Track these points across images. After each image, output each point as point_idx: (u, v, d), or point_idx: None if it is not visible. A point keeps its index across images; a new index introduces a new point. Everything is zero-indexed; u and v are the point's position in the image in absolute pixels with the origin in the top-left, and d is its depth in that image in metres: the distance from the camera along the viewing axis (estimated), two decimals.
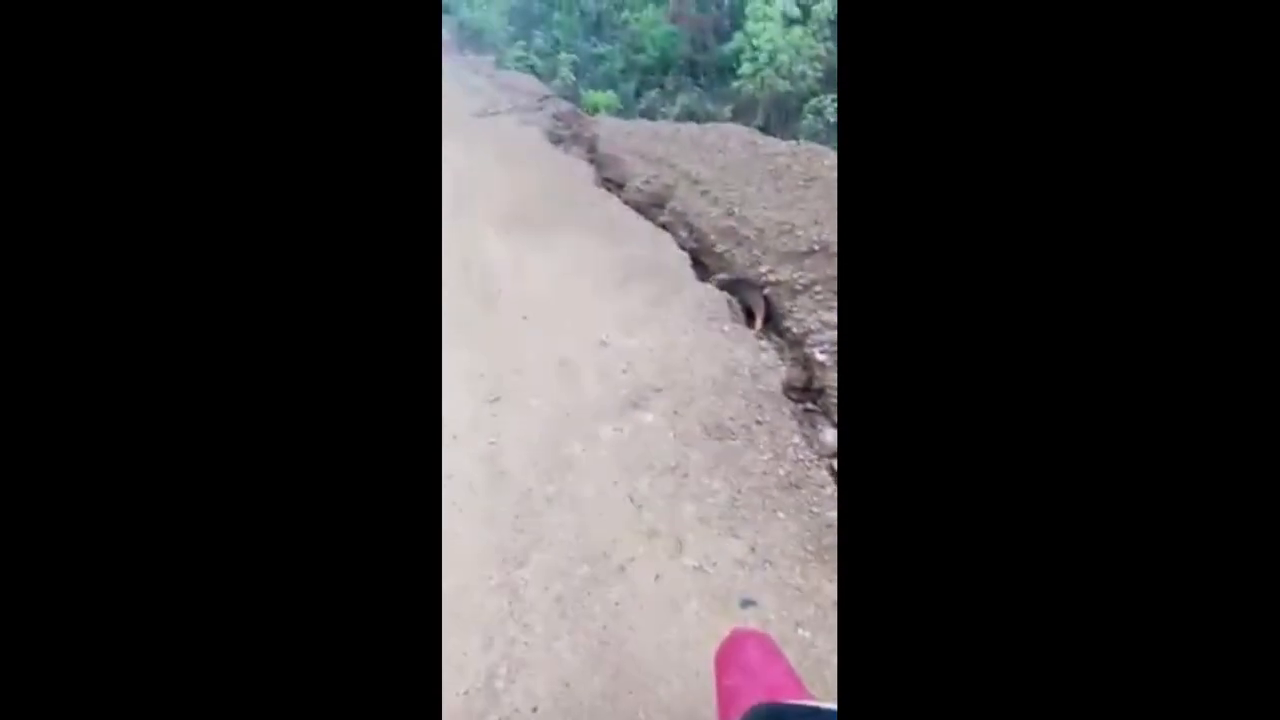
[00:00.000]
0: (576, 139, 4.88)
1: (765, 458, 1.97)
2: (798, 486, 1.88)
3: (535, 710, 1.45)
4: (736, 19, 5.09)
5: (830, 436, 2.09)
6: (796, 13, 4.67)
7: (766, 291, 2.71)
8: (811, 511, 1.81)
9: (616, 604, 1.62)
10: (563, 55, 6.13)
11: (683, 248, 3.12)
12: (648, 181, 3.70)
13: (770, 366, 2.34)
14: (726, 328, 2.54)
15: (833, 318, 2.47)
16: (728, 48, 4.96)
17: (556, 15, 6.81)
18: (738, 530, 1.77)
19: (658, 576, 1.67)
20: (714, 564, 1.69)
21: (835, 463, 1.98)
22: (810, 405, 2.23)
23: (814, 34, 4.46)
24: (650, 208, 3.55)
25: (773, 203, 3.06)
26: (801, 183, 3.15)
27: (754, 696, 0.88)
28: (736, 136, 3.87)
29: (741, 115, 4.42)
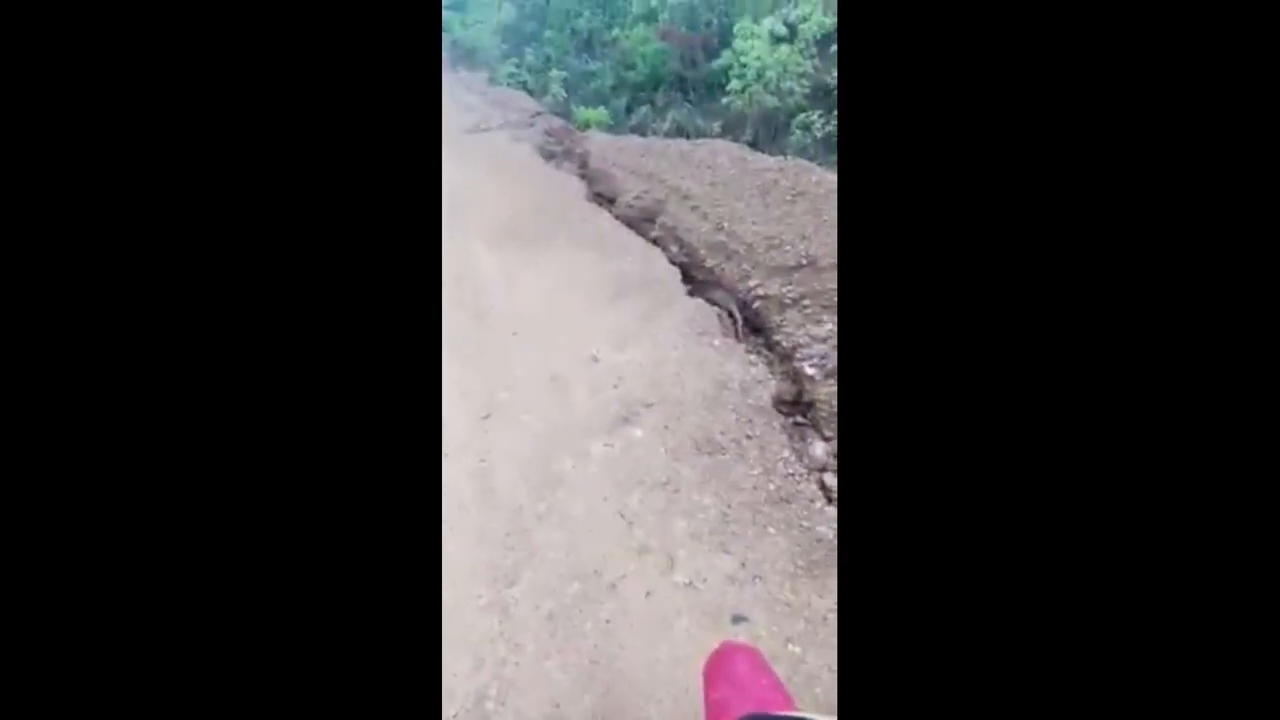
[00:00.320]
0: (568, 155, 4.87)
1: (755, 472, 1.95)
2: (788, 501, 1.86)
3: None
4: (725, 37, 5.11)
5: (820, 450, 2.07)
6: (784, 31, 4.69)
7: (744, 298, 2.70)
8: (801, 526, 1.79)
9: (607, 622, 1.59)
10: (554, 72, 6.14)
11: (673, 262, 3.11)
12: (638, 197, 3.69)
13: (760, 381, 2.32)
14: (717, 342, 2.53)
15: (821, 331, 2.46)
16: (716, 65, 4.97)
17: (548, 33, 6.83)
18: (728, 546, 1.74)
19: (648, 594, 1.64)
20: (705, 580, 1.66)
21: (825, 477, 1.96)
22: (800, 419, 2.21)
23: (801, 51, 4.48)
24: (641, 223, 3.54)
25: (761, 218, 3.05)
26: (789, 198, 3.15)
27: (742, 709, 0.86)
28: (726, 152, 3.87)
29: (730, 131, 4.42)
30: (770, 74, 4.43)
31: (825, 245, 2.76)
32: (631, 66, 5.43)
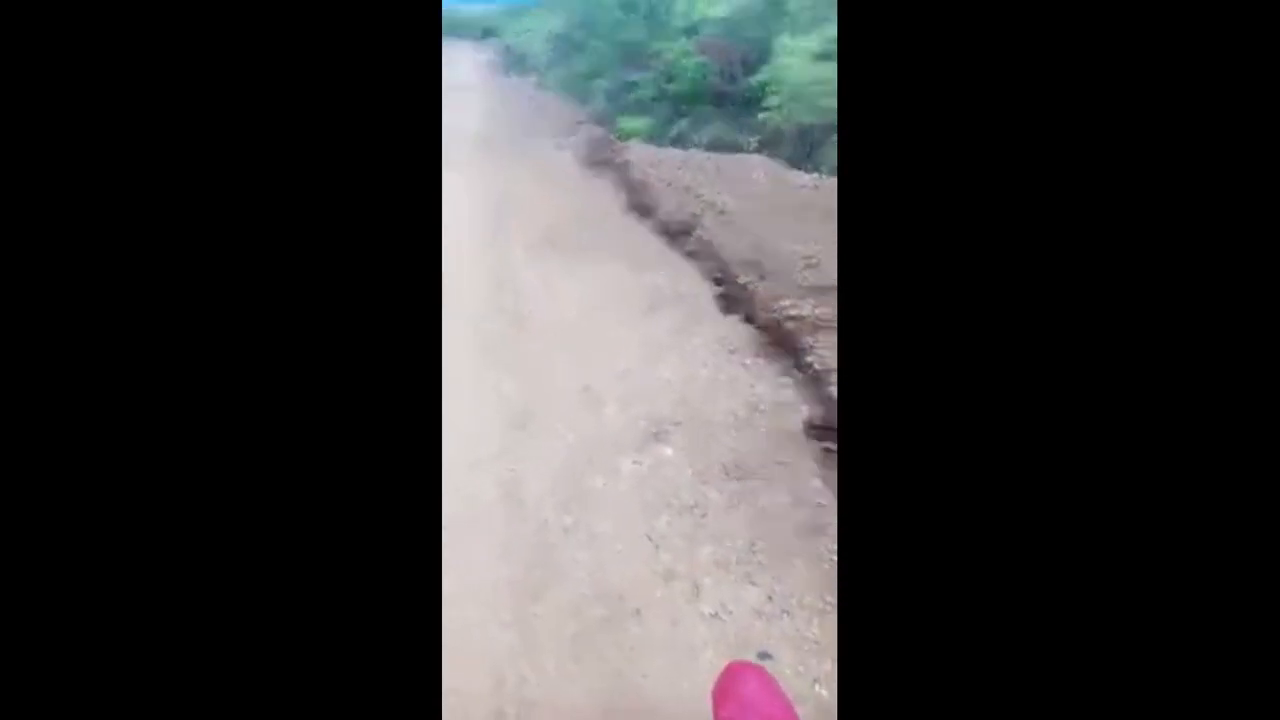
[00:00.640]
0: (608, 164, 4.82)
1: (784, 500, 1.86)
2: (817, 532, 1.77)
3: None
4: (764, 53, 4.99)
5: None
6: (823, 49, 4.56)
7: (777, 318, 2.60)
8: (831, 560, 1.69)
9: (631, 648, 1.52)
10: (598, 82, 6.08)
11: (707, 278, 3.02)
12: (675, 210, 3.61)
13: (791, 404, 2.23)
14: (748, 362, 2.44)
15: None
16: (755, 80, 4.85)
17: (594, 42, 6.78)
18: (755, 577, 1.66)
19: (674, 622, 1.57)
20: (730, 612, 1.58)
21: None
22: (831, 445, 2.11)
23: None
24: (677, 236, 3.46)
25: (797, 236, 2.94)
26: (825, 216, 3.03)
27: None
28: (763, 168, 3.76)
29: (768, 146, 4.31)
30: (809, 91, 4.30)
31: None
32: (672, 79, 5.34)
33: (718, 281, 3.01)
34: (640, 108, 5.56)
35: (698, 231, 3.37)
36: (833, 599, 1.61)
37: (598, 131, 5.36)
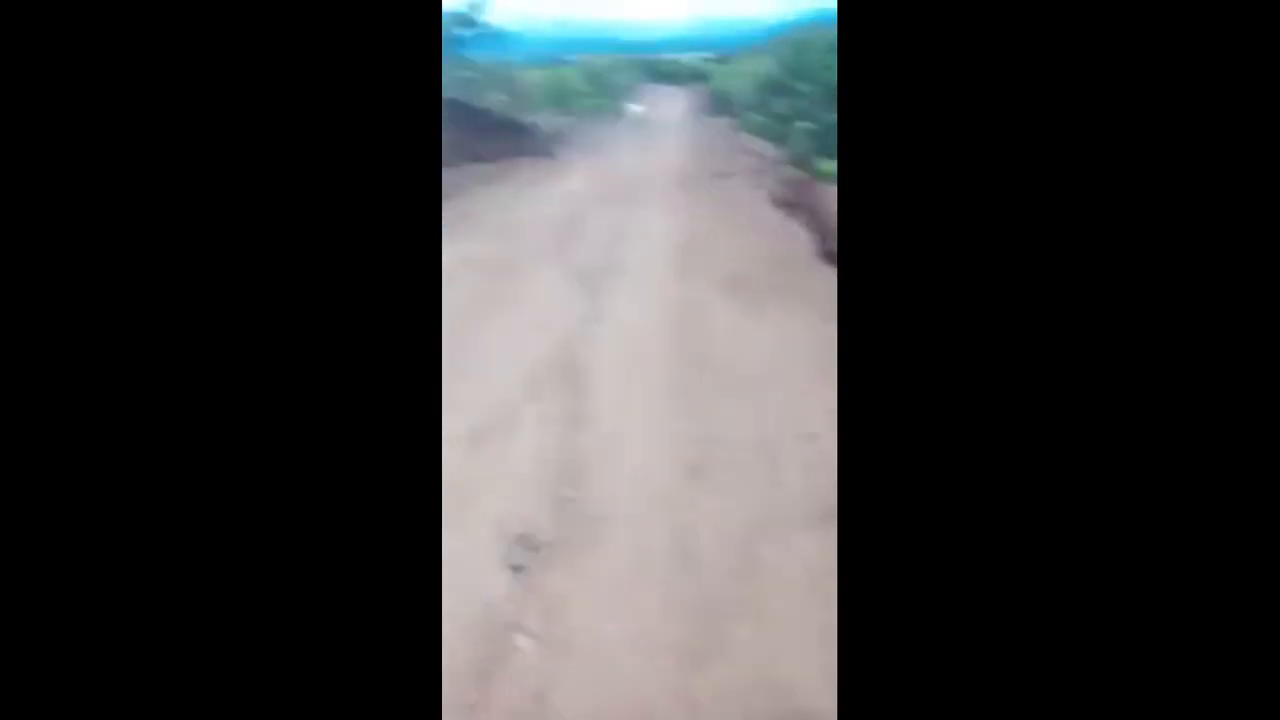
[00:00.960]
0: (801, 206, 4.63)
1: None
2: None
3: None
4: None
5: None
6: None
7: None
8: None
9: None
10: (799, 124, 5.92)
11: None
12: None
13: None
14: None
15: None
16: None
17: (800, 85, 6.63)
18: None
19: None
20: None
21: None
22: None
23: None
24: None
25: None
26: None
27: None
28: None
29: None
30: None
31: None
32: None
33: None
34: None
35: None
36: None
37: (794, 173, 5.20)
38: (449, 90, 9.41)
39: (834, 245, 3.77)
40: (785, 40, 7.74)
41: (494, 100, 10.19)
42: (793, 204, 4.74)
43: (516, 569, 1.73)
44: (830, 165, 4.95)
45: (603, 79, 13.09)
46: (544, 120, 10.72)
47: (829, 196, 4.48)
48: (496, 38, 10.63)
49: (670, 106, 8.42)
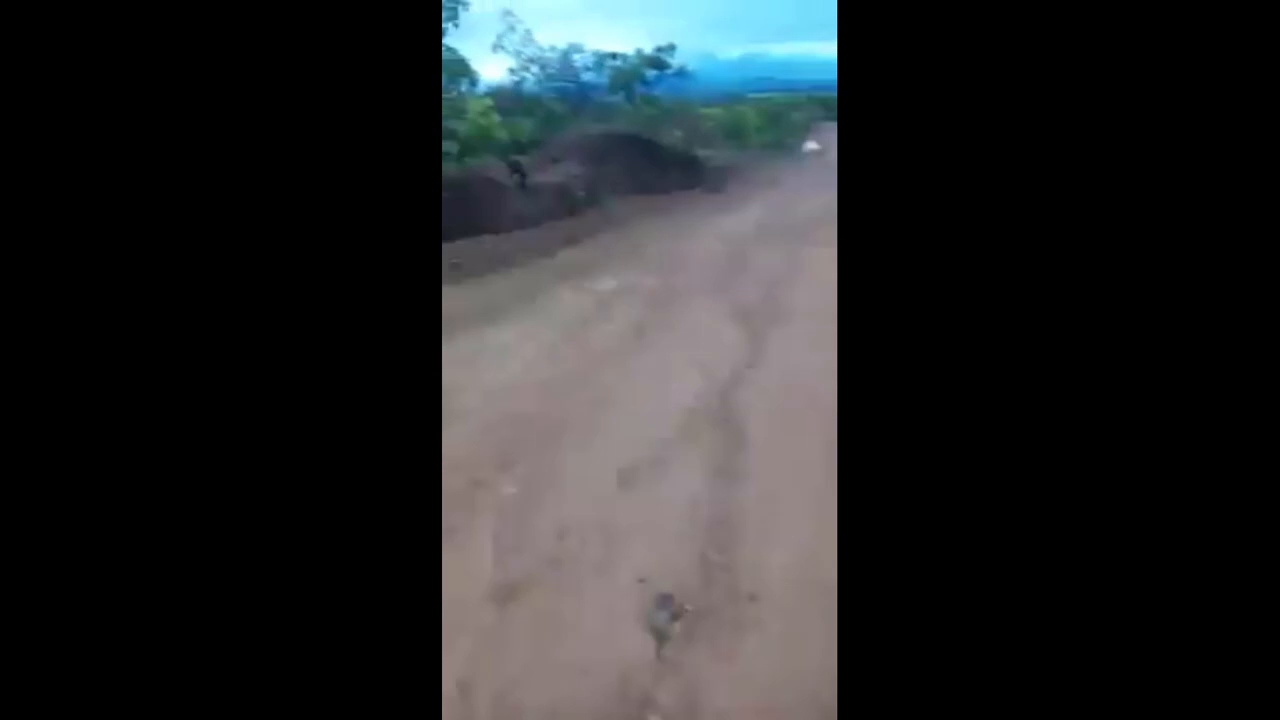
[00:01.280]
0: None
1: None
2: None
3: None
4: None
5: None
6: None
7: None
8: None
9: None
10: None
11: None
12: None
13: None
14: None
15: None
16: None
17: None
18: None
19: None
20: None
21: None
22: None
23: None
24: None
25: None
26: None
27: None
28: None
29: None
30: None
31: None
32: None
33: None
34: None
35: None
36: None
37: None
38: (631, 127, 9.92)
39: None
40: None
41: (671, 136, 10.54)
42: None
43: (659, 636, 1.59)
44: None
45: (780, 116, 12.96)
46: (719, 156, 10.85)
47: None
48: (681, 77, 11.03)
49: (826, 138, 8.03)
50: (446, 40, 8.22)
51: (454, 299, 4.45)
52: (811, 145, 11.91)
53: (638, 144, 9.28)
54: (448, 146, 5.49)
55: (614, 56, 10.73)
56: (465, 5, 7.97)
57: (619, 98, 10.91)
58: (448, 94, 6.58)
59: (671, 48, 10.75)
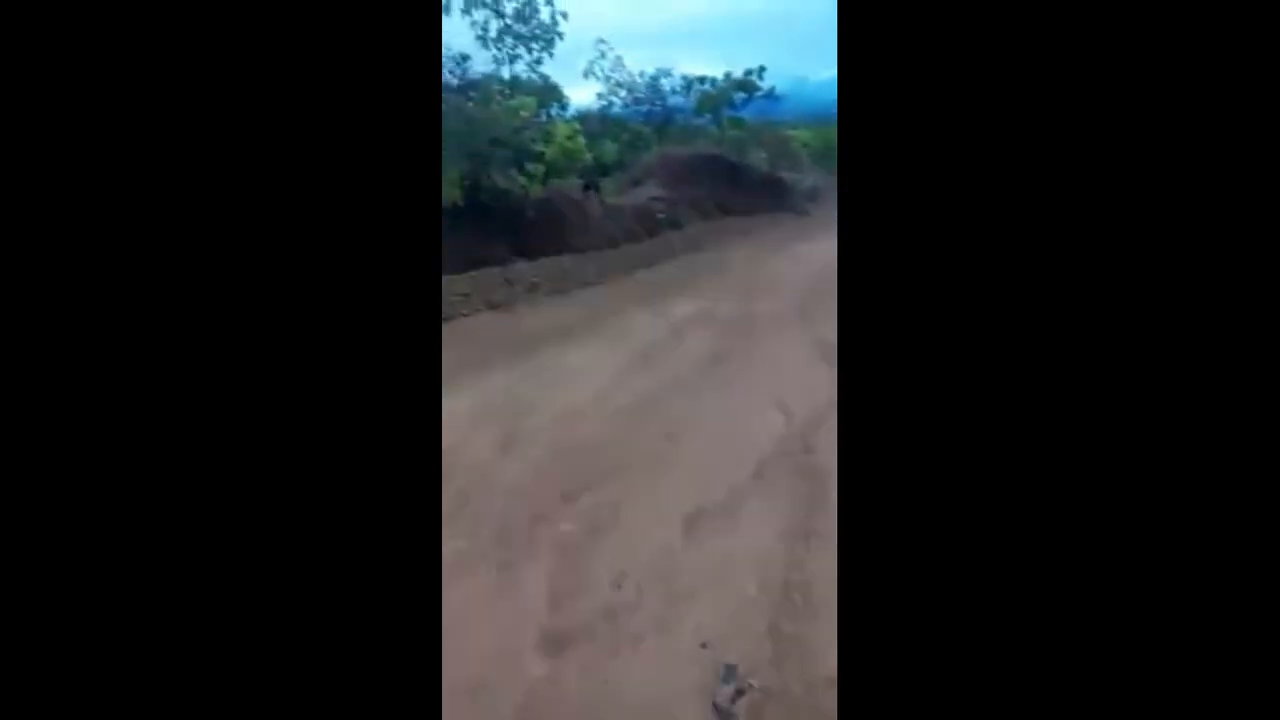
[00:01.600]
0: None
1: None
2: None
3: None
4: None
5: None
6: None
7: None
8: None
9: None
10: None
11: None
12: None
13: None
14: None
15: None
16: None
17: None
18: None
19: None
20: None
21: None
22: None
23: None
24: None
25: None
26: None
27: None
28: None
29: None
30: None
31: None
32: None
33: None
34: None
35: None
36: None
37: None
38: (716, 149, 9.85)
39: None
40: None
41: (756, 158, 10.37)
42: None
43: (722, 717, 1.41)
44: None
45: None
46: (806, 178, 10.54)
47: None
48: (771, 100, 10.87)
49: None
50: (542, 69, 8.54)
51: (530, 318, 4.50)
52: None
53: (721, 165, 9.18)
54: (533, 169, 5.62)
55: (702, 80, 10.75)
56: (560, 35, 8.26)
57: (705, 120, 10.90)
58: (538, 119, 6.78)
59: (761, 70, 10.63)
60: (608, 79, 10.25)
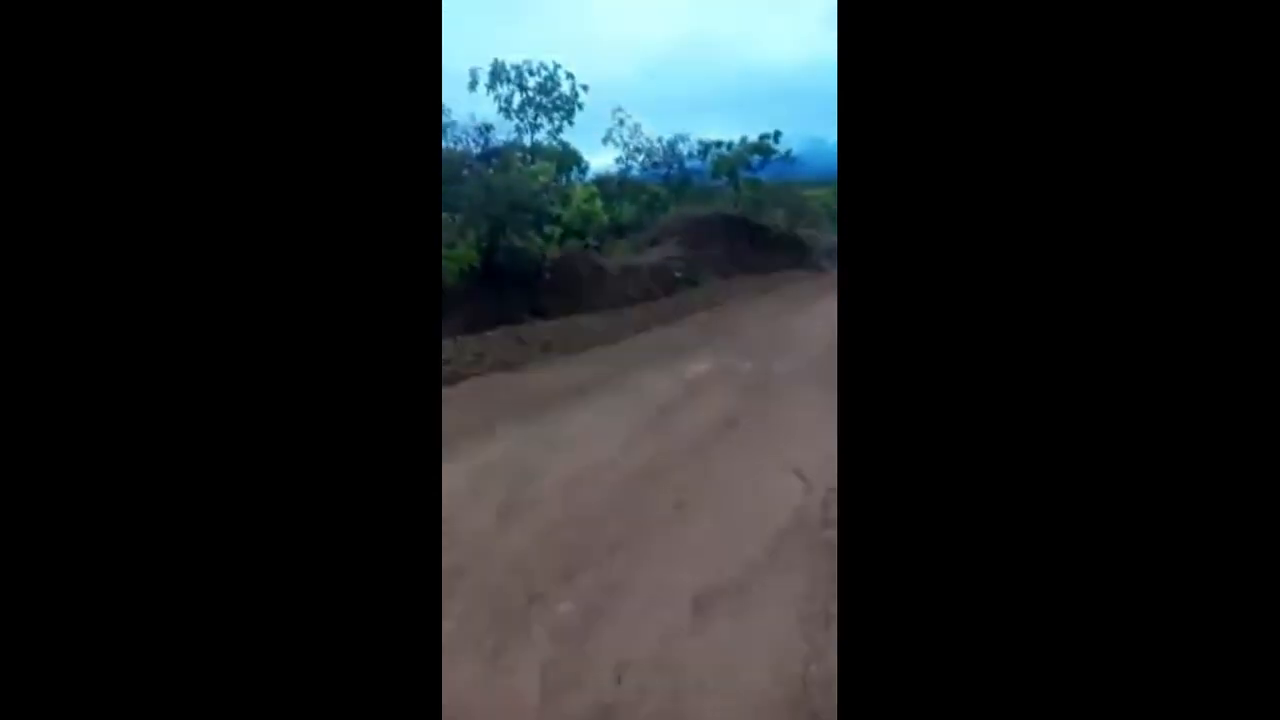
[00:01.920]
0: None
1: None
2: None
3: None
4: None
5: None
6: None
7: None
8: None
9: None
10: None
11: None
12: None
13: None
14: None
15: None
16: None
17: None
18: None
19: None
20: None
21: None
22: None
23: None
24: None
25: None
26: None
27: None
28: None
29: None
30: None
31: None
32: None
33: None
34: None
35: None
36: None
37: None
38: (732, 209, 10.03)
39: None
40: None
41: (773, 217, 10.53)
42: None
43: None
44: None
45: None
46: (824, 237, 10.63)
47: None
48: (787, 162, 11.14)
49: None
50: (562, 136, 8.92)
51: (541, 377, 4.46)
52: None
53: (737, 225, 9.32)
54: (550, 230, 5.75)
55: (718, 144, 11.10)
56: (580, 105, 8.66)
57: (722, 182, 11.17)
58: (557, 183, 7.01)
59: (777, 135, 10.96)
60: (626, 144, 10.67)
